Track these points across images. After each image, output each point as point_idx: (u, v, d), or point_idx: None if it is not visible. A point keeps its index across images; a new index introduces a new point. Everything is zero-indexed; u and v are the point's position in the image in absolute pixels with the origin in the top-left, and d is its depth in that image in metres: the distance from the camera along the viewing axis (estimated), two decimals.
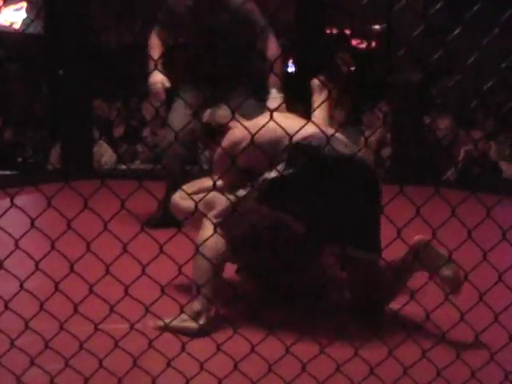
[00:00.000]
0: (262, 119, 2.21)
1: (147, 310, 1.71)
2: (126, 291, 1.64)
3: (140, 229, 1.64)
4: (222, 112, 2.64)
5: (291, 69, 11.23)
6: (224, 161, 2.37)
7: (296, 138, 2.03)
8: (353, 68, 2.85)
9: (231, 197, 2.26)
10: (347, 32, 11.69)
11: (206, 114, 2.68)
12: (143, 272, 1.62)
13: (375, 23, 11.39)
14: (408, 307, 2.07)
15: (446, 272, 2.16)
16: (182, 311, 1.92)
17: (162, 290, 1.66)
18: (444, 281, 2.17)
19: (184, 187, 2.46)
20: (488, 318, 1.81)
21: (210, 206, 2.31)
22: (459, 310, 1.94)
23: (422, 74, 6.24)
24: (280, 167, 2.18)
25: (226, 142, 2.40)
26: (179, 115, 3.99)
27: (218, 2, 3.92)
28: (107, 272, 1.63)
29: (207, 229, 2.22)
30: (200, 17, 3.95)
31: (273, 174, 2.20)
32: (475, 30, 2.58)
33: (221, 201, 2.30)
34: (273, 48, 3.85)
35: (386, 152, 6.79)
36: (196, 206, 1.71)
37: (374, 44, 12.01)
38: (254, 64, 4.08)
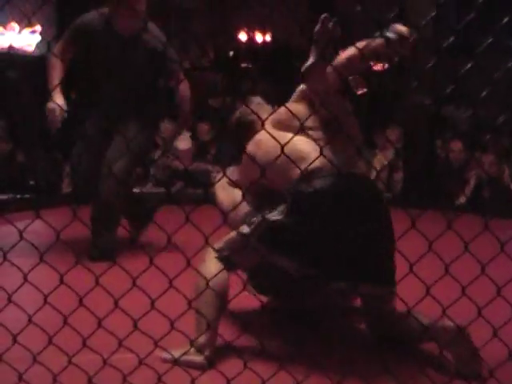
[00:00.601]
0: (285, 136, 2.13)
1: (156, 344, 1.70)
2: (134, 325, 1.63)
3: (149, 262, 1.64)
4: (255, 105, 2.61)
5: None
6: (245, 169, 2.44)
7: (304, 170, 2.02)
8: (365, 90, 2.82)
9: (239, 229, 2.23)
10: None
11: (240, 110, 2.63)
12: (152, 306, 1.61)
13: None
14: None
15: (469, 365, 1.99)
16: (191, 345, 1.91)
17: (172, 325, 1.65)
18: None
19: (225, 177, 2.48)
20: (502, 353, 1.78)
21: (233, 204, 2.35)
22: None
23: (433, 97, 6.22)
24: (281, 209, 2.16)
25: (244, 155, 2.43)
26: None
27: (134, 37, 3.66)
28: (116, 305, 1.62)
29: (209, 262, 2.22)
30: (114, 48, 3.69)
31: (274, 217, 2.16)
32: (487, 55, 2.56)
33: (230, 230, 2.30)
34: (184, 89, 3.78)
35: (398, 176, 6.74)
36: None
37: (386, 66, 12.01)
38: (157, 100, 3.89)
